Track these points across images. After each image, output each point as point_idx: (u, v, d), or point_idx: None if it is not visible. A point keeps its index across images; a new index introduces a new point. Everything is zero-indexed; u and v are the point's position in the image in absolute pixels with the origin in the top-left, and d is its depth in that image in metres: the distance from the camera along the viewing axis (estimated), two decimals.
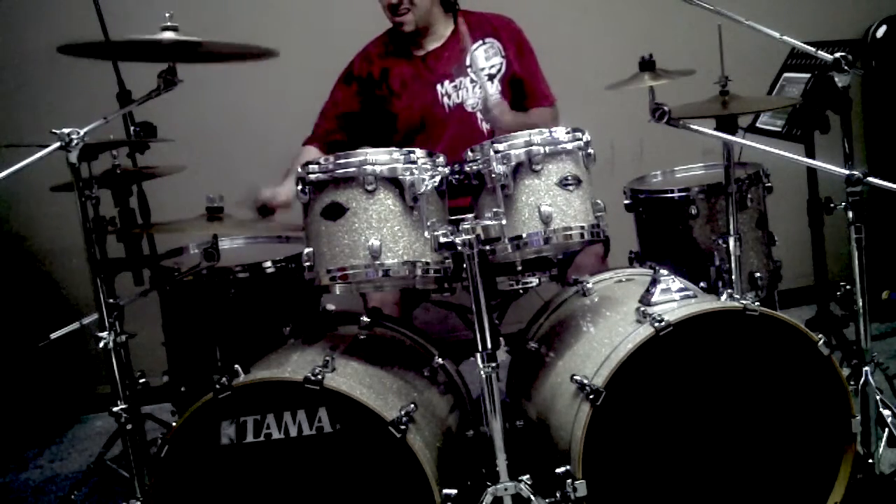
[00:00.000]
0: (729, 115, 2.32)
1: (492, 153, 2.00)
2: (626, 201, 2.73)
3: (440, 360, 2.25)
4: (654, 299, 2.02)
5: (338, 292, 2.10)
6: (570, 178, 2.01)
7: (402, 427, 1.81)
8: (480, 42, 2.73)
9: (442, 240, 1.85)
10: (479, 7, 2.83)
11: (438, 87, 2.71)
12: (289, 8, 3.39)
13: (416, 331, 2.40)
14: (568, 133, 2.05)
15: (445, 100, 2.71)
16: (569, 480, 1.84)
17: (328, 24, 3.37)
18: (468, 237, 1.81)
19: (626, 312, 2.05)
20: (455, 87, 2.70)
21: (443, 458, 1.97)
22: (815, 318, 2.88)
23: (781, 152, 2.09)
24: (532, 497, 1.82)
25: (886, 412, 2.11)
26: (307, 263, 1.99)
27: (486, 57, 2.71)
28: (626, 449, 1.88)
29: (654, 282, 2.06)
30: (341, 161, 1.97)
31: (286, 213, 2.48)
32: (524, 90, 2.77)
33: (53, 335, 2.21)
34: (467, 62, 2.70)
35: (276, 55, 2.15)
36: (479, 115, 2.70)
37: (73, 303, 3.27)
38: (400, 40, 2.77)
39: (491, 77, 2.71)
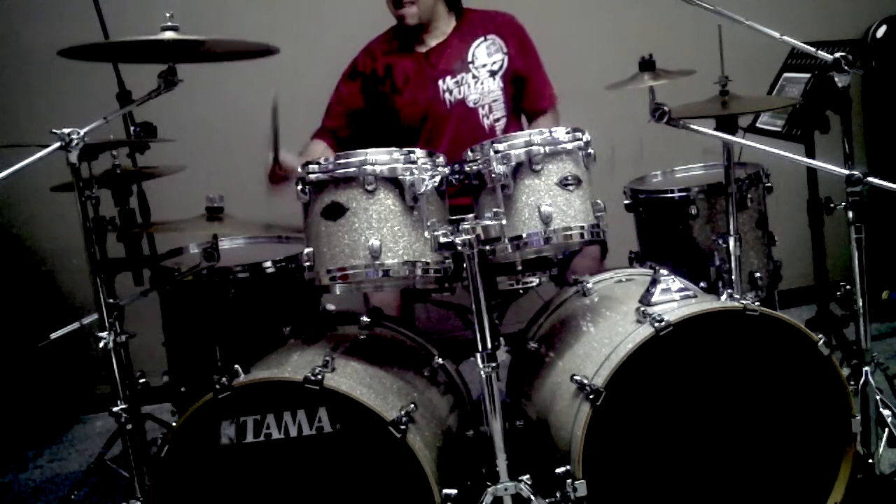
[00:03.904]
0: (729, 115, 2.31)
1: (492, 153, 2.00)
2: (626, 201, 2.73)
3: (440, 360, 2.25)
4: (654, 299, 2.02)
5: (338, 292, 2.10)
6: (570, 178, 2.01)
7: (402, 427, 1.81)
8: (482, 38, 2.74)
9: (442, 240, 1.85)
10: (481, 5, 2.84)
11: (440, 82, 2.71)
12: (290, 6, 3.39)
13: (416, 331, 2.40)
14: (568, 133, 2.04)
15: (447, 95, 2.71)
16: (569, 480, 1.84)
17: (330, 23, 3.37)
18: (468, 237, 1.81)
19: (626, 312, 2.05)
20: (456, 82, 2.71)
21: (443, 458, 1.97)
22: (815, 318, 2.88)
23: (781, 152, 2.09)
24: (532, 497, 1.82)
25: (886, 412, 2.11)
26: (307, 263, 1.99)
27: (487, 53, 2.72)
28: (626, 449, 1.88)
29: (654, 282, 2.06)
30: (341, 161, 1.97)
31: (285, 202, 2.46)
32: (524, 89, 2.77)
33: (53, 335, 2.21)
34: (469, 58, 2.71)
35: (276, 52, 2.15)
36: (480, 112, 2.71)
37: (73, 303, 3.28)
38: (403, 36, 2.78)
39: (493, 73, 2.71)
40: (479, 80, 2.70)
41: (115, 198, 2.30)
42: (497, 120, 2.72)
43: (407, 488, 1.84)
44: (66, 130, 1.85)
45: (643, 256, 2.71)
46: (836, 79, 2.09)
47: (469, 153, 2.05)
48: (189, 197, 2.13)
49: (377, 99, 2.77)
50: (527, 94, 2.78)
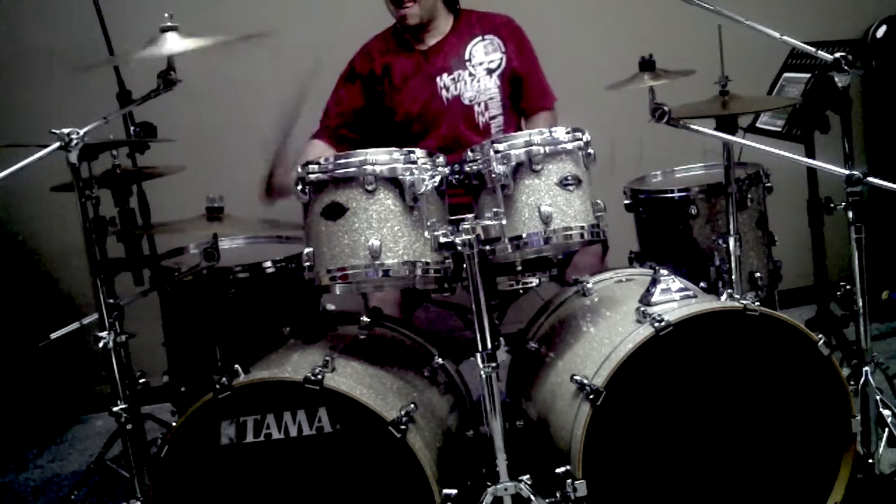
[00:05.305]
0: (729, 115, 2.31)
1: (492, 153, 1.99)
2: (626, 201, 2.72)
3: (440, 360, 2.25)
4: (654, 299, 2.02)
5: (338, 292, 2.10)
6: (570, 178, 2.01)
7: (402, 427, 1.81)
8: (480, 38, 2.76)
9: (442, 240, 1.85)
10: (480, 6, 2.85)
11: (438, 79, 2.73)
12: (290, 8, 3.39)
13: (416, 331, 2.40)
14: (568, 133, 2.04)
15: (444, 93, 2.73)
16: (569, 480, 1.84)
17: (329, 24, 3.37)
18: (468, 237, 1.81)
19: (626, 312, 2.05)
20: (453, 79, 2.72)
21: (443, 458, 1.97)
22: (815, 318, 2.88)
23: (781, 152, 2.09)
24: (532, 497, 1.82)
25: (886, 412, 2.11)
26: (307, 263, 1.99)
27: (485, 52, 2.74)
28: (626, 449, 1.88)
29: (654, 282, 2.06)
30: (341, 161, 1.97)
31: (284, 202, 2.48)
32: (522, 88, 2.78)
33: (53, 335, 2.20)
34: (466, 56, 2.72)
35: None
36: (476, 109, 2.72)
37: (73, 303, 3.27)
38: (401, 36, 2.79)
39: (490, 72, 2.73)
40: (476, 77, 2.72)
41: (115, 198, 2.30)
42: (493, 118, 2.74)
43: (407, 488, 1.84)
44: (66, 130, 1.85)
45: (643, 256, 2.71)
46: (836, 79, 2.09)
47: (469, 153, 2.05)
48: (189, 197, 2.12)
49: (376, 98, 2.79)
50: (525, 95, 2.79)
